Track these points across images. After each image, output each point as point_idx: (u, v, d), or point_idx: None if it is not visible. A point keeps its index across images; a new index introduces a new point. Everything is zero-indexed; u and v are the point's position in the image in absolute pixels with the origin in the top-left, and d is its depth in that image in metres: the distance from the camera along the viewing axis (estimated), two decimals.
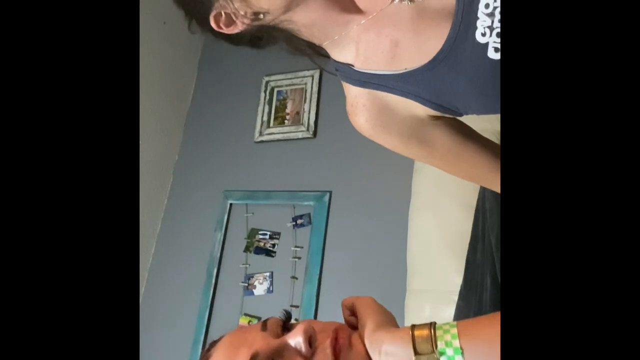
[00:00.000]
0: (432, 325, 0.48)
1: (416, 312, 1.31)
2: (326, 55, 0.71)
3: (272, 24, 0.64)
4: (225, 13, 0.62)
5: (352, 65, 0.67)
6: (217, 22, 0.63)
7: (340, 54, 0.68)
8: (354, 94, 0.68)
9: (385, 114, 0.66)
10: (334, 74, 0.70)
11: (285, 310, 0.57)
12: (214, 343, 0.56)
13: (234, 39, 0.66)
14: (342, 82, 0.70)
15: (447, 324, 0.48)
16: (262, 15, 0.62)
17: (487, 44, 0.59)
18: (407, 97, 0.65)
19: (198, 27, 0.66)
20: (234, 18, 0.62)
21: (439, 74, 0.62)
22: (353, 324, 0.54)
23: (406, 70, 0.64)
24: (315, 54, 0.71)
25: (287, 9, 0.61)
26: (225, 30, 0.64)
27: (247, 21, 0.63)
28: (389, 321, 0.52)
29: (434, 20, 0.62)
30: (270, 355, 0.49)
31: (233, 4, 0.60)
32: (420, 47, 0.63)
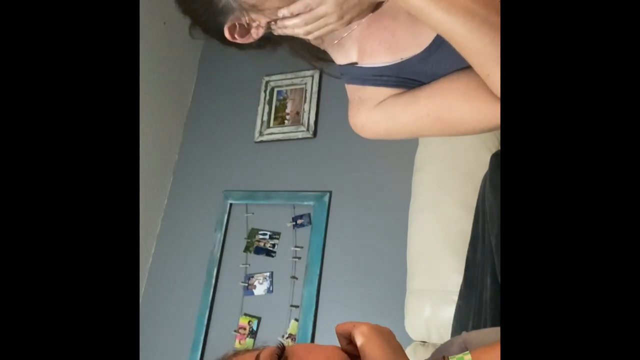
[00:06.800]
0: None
1: (416, 312, 1.31)
2: (328, 60, 0.73)
3: None
4: (239, 24, 0.63)
5: (356, 63, 0.69)
6: (231, 33, 0.63)
7: (345, 56, 0.70)
8: (353, 91, 0.70)
9: (381, 101, 0.68)
10: (338, 77, 0.72)
11: (281, 342, 0.53)
12: None
13: (242, 45, 0.67)
14: (346, 87, 0.72)
15: (460, 356, 0.47)
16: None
17: None
18: (400, 87, 0.67)
19: (204, 34, 0.66)
20: (248, 28, 0.63)
21: (434, 61, 0.64)
22: (352, 354, 0.51)
23: (402, 60, 0.66)
24: (314, 58, 0.73)
25: None
26: (240, 41, 0.64)
27: (261, 31, 0.63)
28: (398, 356, 0.48)
29: None
30: None
31: (249, 15, 0.61)
32: (416, 36, 0.65)
